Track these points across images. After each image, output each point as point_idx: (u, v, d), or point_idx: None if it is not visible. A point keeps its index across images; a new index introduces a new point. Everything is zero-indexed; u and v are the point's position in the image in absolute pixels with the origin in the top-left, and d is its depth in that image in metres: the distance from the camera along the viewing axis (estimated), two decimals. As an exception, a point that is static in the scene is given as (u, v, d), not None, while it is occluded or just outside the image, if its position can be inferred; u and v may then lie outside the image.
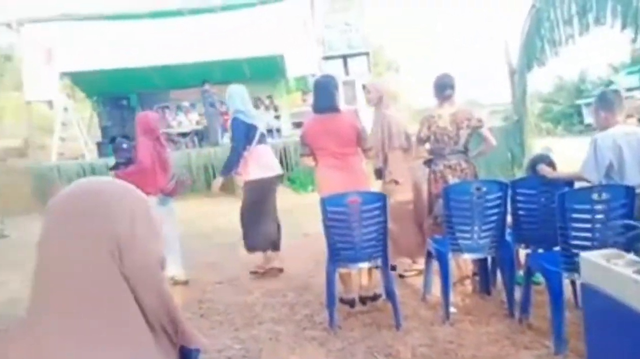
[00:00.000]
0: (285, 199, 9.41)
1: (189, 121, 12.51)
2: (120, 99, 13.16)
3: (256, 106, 13.07)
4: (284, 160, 10.91)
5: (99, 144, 11.89)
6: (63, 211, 0.90)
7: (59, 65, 10.59)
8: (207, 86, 11.55)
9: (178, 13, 10.94)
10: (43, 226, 0.90)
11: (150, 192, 4.11)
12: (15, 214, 8.67)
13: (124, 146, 4.93)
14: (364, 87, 5.00)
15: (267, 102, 12.98)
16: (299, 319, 3.60)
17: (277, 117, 12.60)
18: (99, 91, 13.07)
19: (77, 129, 11.52)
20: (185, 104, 13.00)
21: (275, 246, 4.69)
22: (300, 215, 7.56)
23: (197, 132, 12.13)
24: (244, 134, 4.50)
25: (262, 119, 4.75)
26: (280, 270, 4.68)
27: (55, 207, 0.91)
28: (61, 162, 10.63)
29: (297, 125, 12.10)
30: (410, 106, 23.58)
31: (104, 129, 12.65)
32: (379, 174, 4.30)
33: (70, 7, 10.90)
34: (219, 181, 4.78)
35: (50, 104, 11.50)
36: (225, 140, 12.34)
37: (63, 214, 0.89)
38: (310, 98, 12.33)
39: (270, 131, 12.38)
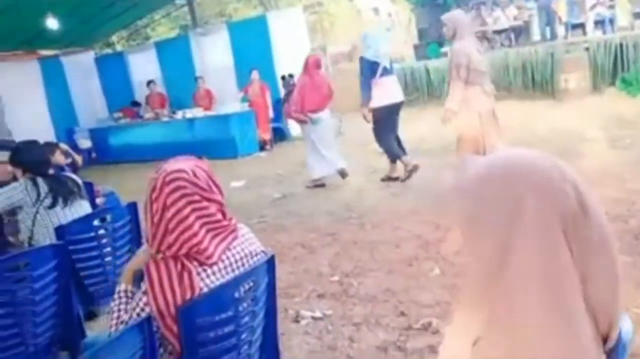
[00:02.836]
0: (617, 104, 8.17)
1: (506, 17, 11.73)
2: (437, -2, 13.24)
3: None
4: (618, 58, 9.28)
5: (415, 47, 12.41)
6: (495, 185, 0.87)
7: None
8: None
9: None
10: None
11: (306, 113, 5.63)
12: (346, 112, 9.98)
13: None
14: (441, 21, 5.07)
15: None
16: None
17: (612, 6, 10.66)
18: (417, -8, 13.43)
19: (398, 33, 12.27)
20: (503, -2, 12.21)
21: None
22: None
23: (514, 29, 11.37)
24: (368, 70, 5.33)
25: (386, 56, 5.46)
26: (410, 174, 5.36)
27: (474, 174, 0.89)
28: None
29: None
30: None
31: (420, 32, 13.08)
32: None
33: None
34: (363, 110, 5.41)
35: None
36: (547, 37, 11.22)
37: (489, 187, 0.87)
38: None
39: (601, 22, 10.63)
